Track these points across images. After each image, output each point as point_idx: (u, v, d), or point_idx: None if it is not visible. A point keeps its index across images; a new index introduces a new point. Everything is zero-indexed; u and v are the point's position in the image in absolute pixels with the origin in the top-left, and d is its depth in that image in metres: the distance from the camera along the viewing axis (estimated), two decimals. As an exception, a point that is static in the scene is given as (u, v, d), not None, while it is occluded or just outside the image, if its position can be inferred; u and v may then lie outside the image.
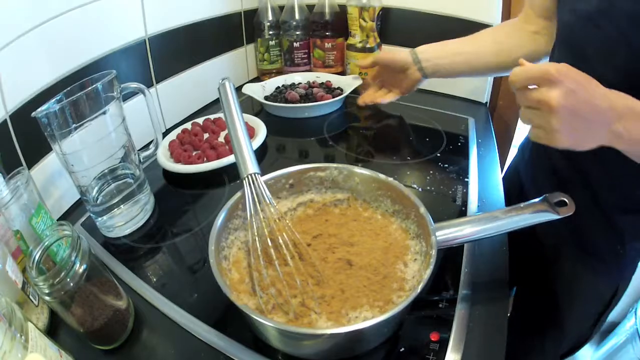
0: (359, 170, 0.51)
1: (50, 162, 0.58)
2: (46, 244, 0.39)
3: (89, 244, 0.40)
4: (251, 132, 0.74)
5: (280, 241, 0.42)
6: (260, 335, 0.39)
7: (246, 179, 0.45)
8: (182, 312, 0.45)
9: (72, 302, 0.38)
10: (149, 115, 0.60)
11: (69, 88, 0.48)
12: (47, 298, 0.36)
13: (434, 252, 0.39)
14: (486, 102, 0.92)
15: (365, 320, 0.37)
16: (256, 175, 0.45)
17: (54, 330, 0.44)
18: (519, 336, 0.70)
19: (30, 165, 0.55)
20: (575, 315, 0.63)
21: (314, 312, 0.38)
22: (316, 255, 0.44)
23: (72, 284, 0.36)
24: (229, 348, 0.41)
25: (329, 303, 0.39)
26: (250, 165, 0.45)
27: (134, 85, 0.56)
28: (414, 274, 0.43)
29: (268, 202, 0.44)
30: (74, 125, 0.47)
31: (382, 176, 0.50)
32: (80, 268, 0.37)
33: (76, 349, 0.40)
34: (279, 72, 1.07)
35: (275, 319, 0.38)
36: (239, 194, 0.47)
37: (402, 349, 0.40)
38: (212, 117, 0.81)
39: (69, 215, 0.62)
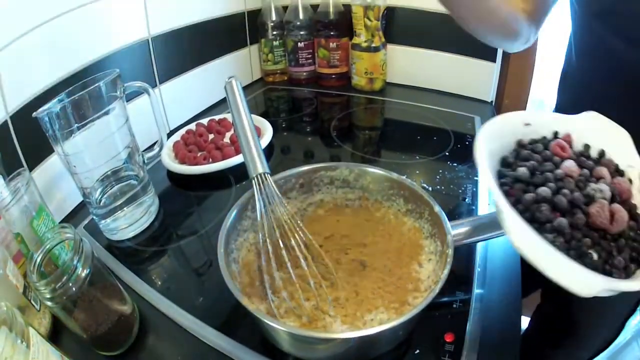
0: (370, 169, 0.50)
1: (52, 164, 0.56)
2: (48, 247, 0.38)
3: (92, 247, 0.38)
4: (257, 132, 0.73)
5: (292, 242, 0.40)
6: (272, 339, 0.38)
7: (255, 178, 0.43)
8: (188, 316, 0.43)
9: (75, 307, 0.36)
10: (153, 115, 0.59)
11: (71, 88, 0.47)
12: (49, 303, 0.35)
13: (450, 252, 0.38)
14: (492, 101, 0.91)
15: (381, 322, 0.36)
16: (266, 174, 0.44)
17: (56, 335, 0.42)
18: (538, 349, 0.69)
19: (31, 167, 0.53)
20: (600, 326, 0.61)
21: (328, 316, 0.37)
22: (329, 256, 0.43)
23: (74, 289, 0.35)
24: (237, 352, 0.39)
25: (344, 306, 0.38)
26: (260, 164, 0.44)
27: (137, 84, 0.55)
28: (429, 274, 0.41)
29: (278, 202, 0.43)
30: (76, 126, 0.46)
31: (394, 175, 0.48)
32: (82, 272, 0.35)
33: (79, 355, 0.38)
34: (283, 73, 1.06)
35: (288, 323, 0.37)
36: (247, 194, 0.45)
37: (417, 351, 0.39)
38: (216, 117, 0.80)
39: (72, 218, 0.60)
